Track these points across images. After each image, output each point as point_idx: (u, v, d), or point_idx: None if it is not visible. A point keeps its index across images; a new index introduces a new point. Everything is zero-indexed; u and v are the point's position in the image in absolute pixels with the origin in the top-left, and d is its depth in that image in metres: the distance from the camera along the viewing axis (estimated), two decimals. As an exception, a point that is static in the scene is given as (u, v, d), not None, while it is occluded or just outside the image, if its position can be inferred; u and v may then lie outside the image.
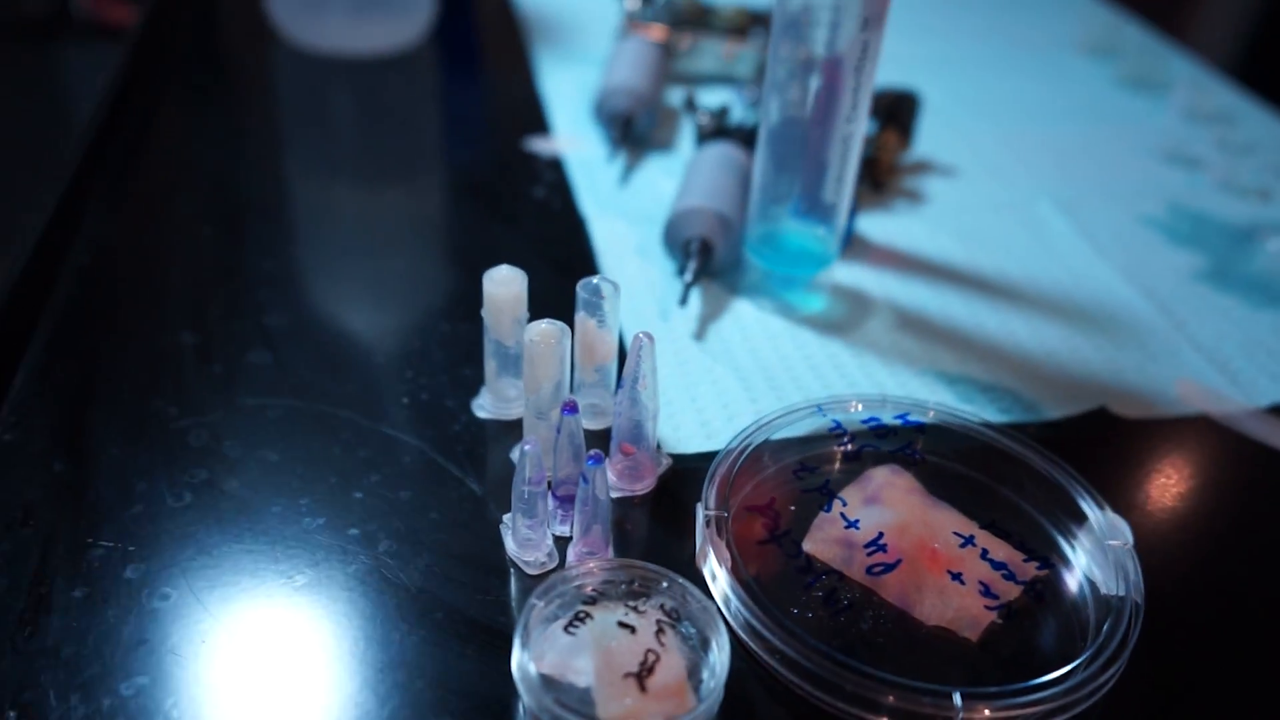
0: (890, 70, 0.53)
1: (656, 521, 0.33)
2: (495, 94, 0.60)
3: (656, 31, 0.60)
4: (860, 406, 0.36)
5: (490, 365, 0.36)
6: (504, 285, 0.34)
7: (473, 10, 0.70)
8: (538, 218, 0.48)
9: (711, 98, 0.59)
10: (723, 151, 0.46)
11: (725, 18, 0.62)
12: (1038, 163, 0.55)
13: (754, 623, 0.28)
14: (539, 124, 0.56)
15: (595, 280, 0.33)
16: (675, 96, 0.60)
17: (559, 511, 0.32)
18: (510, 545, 0.31)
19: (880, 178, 0.52)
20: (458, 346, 0.39)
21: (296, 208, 0.48)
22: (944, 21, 0.72)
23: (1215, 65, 0.70)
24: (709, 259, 0.43)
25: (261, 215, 0.47)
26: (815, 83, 0.38)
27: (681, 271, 0.43)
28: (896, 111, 0.52)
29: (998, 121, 0.59)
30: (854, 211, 0.45)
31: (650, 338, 0.31)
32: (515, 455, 0.35)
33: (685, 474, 0.34)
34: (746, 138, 0.49)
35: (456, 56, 0.64)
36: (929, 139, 0.57)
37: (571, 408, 0.30)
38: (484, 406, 0.37)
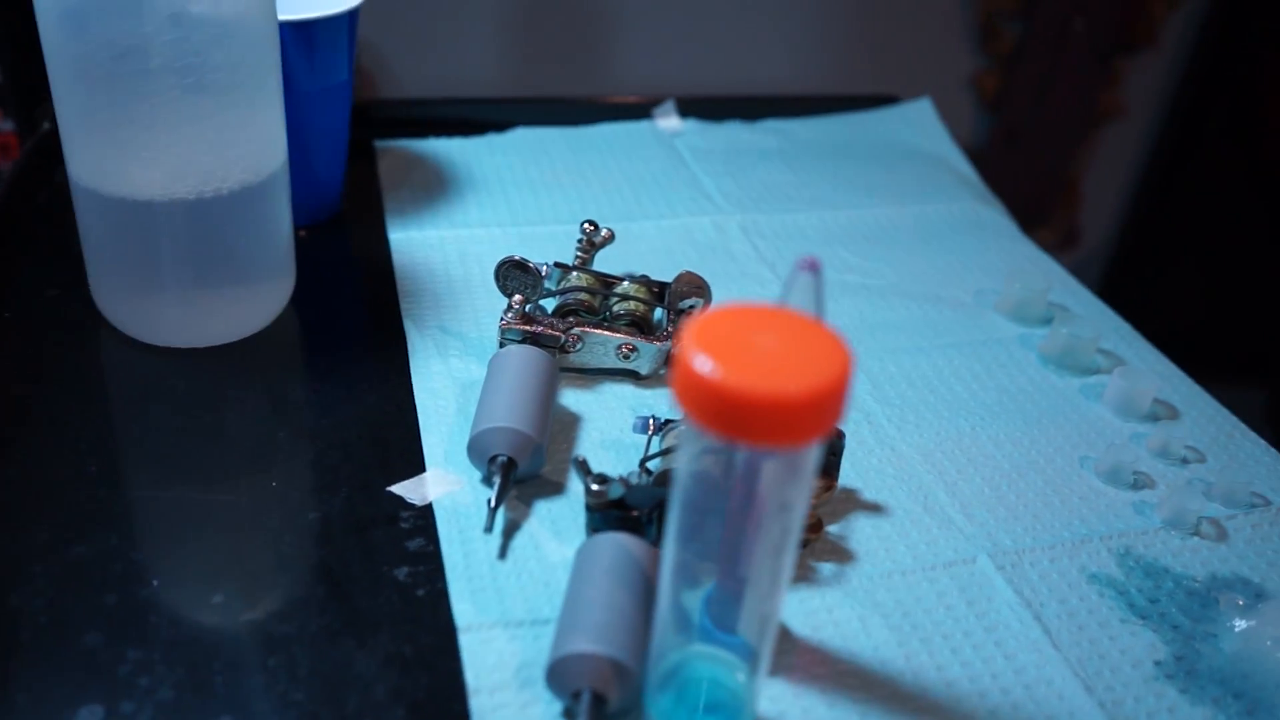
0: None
1: None
2: (360, 399, 0.52)
3: (545, 328, 0.52)
4: None
5: None
6: None
7: (343, 282, 0.62)
8: (395, 622, 0.40)
9: (608, 423, 0.52)
10: (619, 553, 0.39)
11: (624, 294, 0.56)
12: (970, 492, 0.50)
13: None
14: (408, 447, 0.48)
15: None
16: (569, 398, 0.53)
17: None
18: None
19: (806, 536, 0.45)
20: None
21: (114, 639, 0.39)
22: (864, 262, 0.67)
23: (1082, 276, 0.67)
24: (603, 716, 0.35)
25: (49, 663, 0.38)
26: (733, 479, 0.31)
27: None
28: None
29: (921, 427, 0.54)
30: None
31: None
32: None
33: None
34: (649, 514, 0.42)
35: (319, 341, 0.56)
36: (850, 450, 0.51)
37: None
38: None
